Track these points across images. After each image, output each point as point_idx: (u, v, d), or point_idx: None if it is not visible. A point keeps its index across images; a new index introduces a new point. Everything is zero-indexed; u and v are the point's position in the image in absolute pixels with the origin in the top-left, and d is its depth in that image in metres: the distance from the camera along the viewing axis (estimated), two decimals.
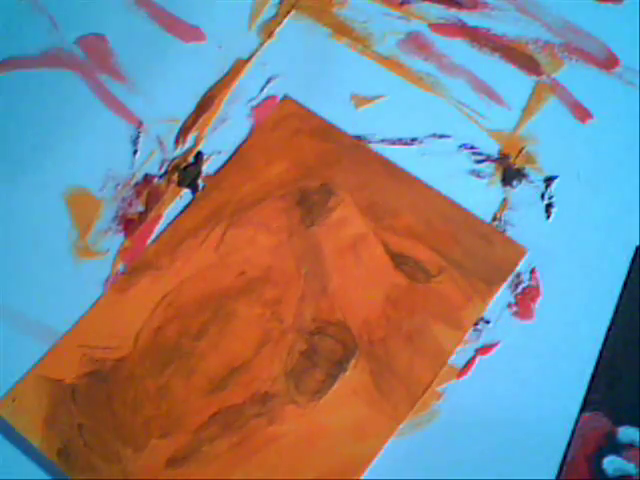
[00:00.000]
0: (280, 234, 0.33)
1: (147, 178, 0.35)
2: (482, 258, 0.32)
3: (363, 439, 0.29)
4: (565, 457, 0.29)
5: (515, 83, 0.35)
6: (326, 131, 0.35)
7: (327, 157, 0.34)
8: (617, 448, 0.29)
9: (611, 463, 0.28)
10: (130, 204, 0.35)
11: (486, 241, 0.32)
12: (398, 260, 0.32)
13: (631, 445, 0.29)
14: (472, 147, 0.34)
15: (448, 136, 0.35)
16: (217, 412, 0.30)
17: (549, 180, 0.33)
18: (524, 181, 0.33)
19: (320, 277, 0.32)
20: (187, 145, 0.36)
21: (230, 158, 0.35)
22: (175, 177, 0.35)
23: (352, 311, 0.31)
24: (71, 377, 0.31)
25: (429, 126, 0.35)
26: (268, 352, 0.31)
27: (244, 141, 0.35)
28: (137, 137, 0.36)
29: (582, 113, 0.35)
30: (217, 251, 0.33)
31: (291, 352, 0.31)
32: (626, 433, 0.29)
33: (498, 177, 0.34)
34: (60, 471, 0.30)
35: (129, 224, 0.34)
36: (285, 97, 0.36)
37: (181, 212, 0.34)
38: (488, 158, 0.34)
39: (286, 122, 0.35)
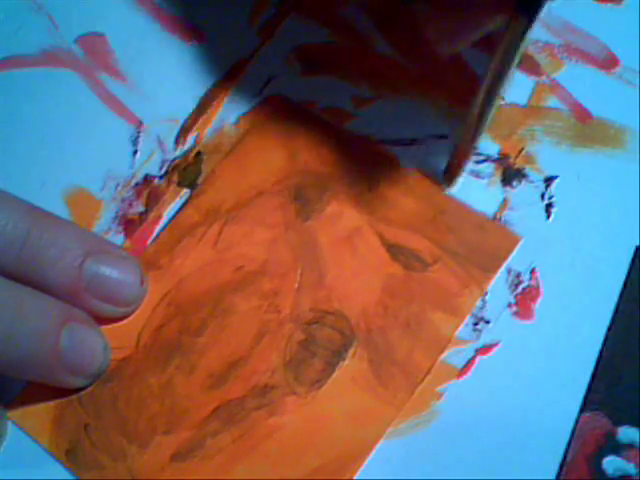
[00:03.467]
0: (276, 229, 0.33)
1: (147, 178, 0.35)
2: (477, 246, 0.32)
3: (364, 427, 0.29)
4: (565, 457, 0.29)
5: (515, 83, 0.35)
6: (320, 127, 0.35)
7: (321, 153, 0.34)
8: (617, 448, 0.29)
9: (611, 463, 0.28)
10: (130, 204, 0.35)
11: (480, 229, 0.32)
12: (394, 251, 0.32)
13: (631, 445, 0.29)
14: None
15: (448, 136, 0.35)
16: (219, 406, 0.30)
17: (549, 180, 0.33)
18: (524, 181, 0.33)
19: (317, 269, 0.32)
20: (187, 145, 0.36)
21: (226, 156, 0.35)
22: (175, 177, 0.35)
23: (349, 301, 0.31)
24: None
25: (429, 126, 0.35)
26: (266, 344, 0.31)
27: (239, 139, 0.35)
28: (137, 137, 0.36)
29: (582, 113, 0.35)
30: (215, 248, 0.33)
31: (289, 342, 0.31)
32: (626, 433, 0.29)
33: (498, 177, 0.34)
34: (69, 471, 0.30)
35: (129, 224, 0.34)
36: (280, 95, 0.36)
37: (178, 211, 0.34)
38: (488, 158, 0.34)
39: (280, 119, 0.35)
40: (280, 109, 0.36)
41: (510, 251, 0.32)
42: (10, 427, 0.31)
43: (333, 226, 0.33)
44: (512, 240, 0.32)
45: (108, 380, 0.31)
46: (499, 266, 0.32)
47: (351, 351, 0.31)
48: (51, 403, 0.31)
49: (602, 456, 0.28)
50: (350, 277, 0.32)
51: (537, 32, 0.37)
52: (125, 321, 0.32)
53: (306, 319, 0.31)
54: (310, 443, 0.29)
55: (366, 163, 0.34)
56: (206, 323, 0.32)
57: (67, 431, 0.30)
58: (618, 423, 0.29)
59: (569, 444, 0.29)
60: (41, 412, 0.31)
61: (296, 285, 0.32)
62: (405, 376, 0.30)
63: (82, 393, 0.31)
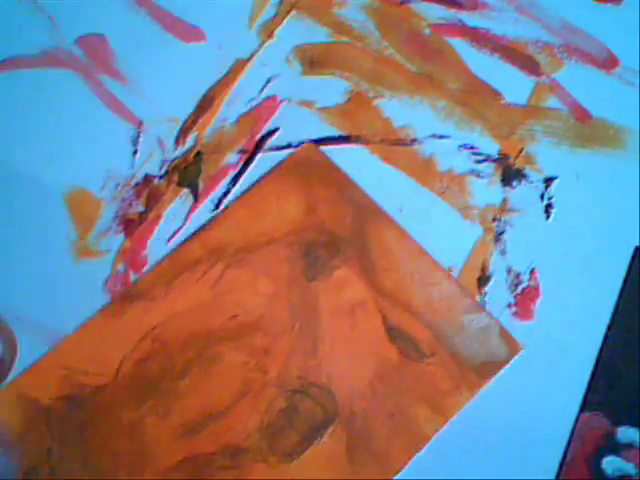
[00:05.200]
0: (279, 283, 0.32)
1: (147, 178, 0.35)
2: (477, 349, 0.31)
3: None
4: (564, 457, 0.29)
5: (515, 83, 0.36)
6: (344, 186, 0.34)
7: (341, 213, 0.33)
8: (616, 448, 0.29)
9: (610, 463, 0.28)
10: (130, 204, 0.35)
11: (485, 332, 0.31)
12: (393, 333, 0.31)
13: (630, 445, 0.29)
14: (472, 147, 0.34)
15: (448, 136, 0.35)
16: (186, 458, 0.29)
17: (549, 180, 0.33)
18: (524, 181, 0.33)
19: (312, 335, 0.31)
20: (187, 145, 0.36)
21: (242, 194, 0.34)
22: (175, 177, 0.35)
23: (339, 377, 0.31)
24: (48, 398, 0.30)
25: (429, 126, 0.35)
26: (247, 403, 0.30)
27: (258, 179, 0.35)
28: (137, 137, 0.36)
29: (582, 113, 0.35)
30: (213, 289, 0.32)
31: (270, 407, 0.30)
32: (625, 433, 0.29)
33: (498, 177, 0.34)
34: None
35: (129, 224, 0.34)
36: (310, 141, 0.35)
37: (183, 243, 0.34)
38: (488, 158, 0.34)
39: (305, 168, 0.34)
40: (310, 158, 0.35)
41: (509, 359, 0.31)
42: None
43: (338, 293, 0.32)
44: (513, 348, 0.31)
45: (80, 406, 0.30)
46: (495, 374, 0.31)
47: (330, 430, 0.30)
48: (17, 416, 0.30)
49: (601, 456, 0.28)
50: (345, 353, 0.31)
51: (537, 32, 0.37)
52: (108, 347, 0.31)
53: (291, 386, 0.30)
54: None
55: (384, 237, 0.33)
56: (189, 367, 0.31)
57: (29, 450, 0.29)
58: (617, 423, 0.29)
59: (569, 444, 0.29)
60: (6, 423, 0.30)
61: (288, 348, 0.31)
62: (379, 467, 0.29)
63: (51, 414, 0.30)
